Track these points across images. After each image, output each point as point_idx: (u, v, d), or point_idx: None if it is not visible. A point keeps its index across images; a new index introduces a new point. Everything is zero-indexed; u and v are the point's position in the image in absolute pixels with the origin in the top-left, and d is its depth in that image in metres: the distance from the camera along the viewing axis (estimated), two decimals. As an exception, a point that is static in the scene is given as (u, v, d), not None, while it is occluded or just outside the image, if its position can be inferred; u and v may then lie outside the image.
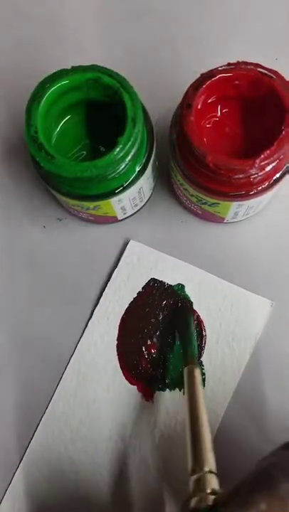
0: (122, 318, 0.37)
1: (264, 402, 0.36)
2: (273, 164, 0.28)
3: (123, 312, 0.38)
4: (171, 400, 0.36)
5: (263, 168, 0.28)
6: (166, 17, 0.42)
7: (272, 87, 0.29)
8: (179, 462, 0.35)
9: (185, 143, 0.30)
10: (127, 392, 0.36)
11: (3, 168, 0.41)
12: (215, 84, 0.29)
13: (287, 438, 0.35)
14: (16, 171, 0.40)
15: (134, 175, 0.32)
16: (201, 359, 0.37)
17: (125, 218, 0.38)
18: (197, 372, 0.32)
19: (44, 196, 0.40)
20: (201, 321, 0.37)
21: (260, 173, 0.28)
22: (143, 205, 0.38)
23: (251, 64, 0.29)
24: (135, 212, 0.38)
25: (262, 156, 0.28)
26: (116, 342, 0.37)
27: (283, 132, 0.28)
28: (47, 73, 0.30)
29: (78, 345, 0.37)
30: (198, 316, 0.37)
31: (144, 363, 0.37)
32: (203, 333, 0.37)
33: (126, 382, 0.37)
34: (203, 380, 0.36)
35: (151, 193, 0.39)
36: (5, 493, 0.36)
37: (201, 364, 0.36)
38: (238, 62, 0.29)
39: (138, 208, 0.38)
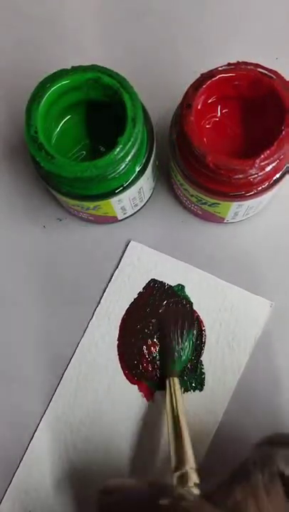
0: (123, 319, 0.37)
1: (264, 402, 0.36)
2: (273, 164, 0.28)
3: (124, 312, 0.38)
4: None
5: (263, 168, 0.28)
6: (166, 17, 0.42)
7: (272, 87, 0.29)
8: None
9: (185, 143, 0.30)
10: (127, 392, 0.36)
11: (3, 167, 0.41)
12: (215, 84, 0.29)
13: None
14: (16, 170, 0.40)
15: (134, 175, 0.32)
16: (201, 359, 0.37)
17: (125, 218, 0.38)
18: (176, 381, 0.35)
19: (44, 196, 0.40)
20: (201, 321, 0.37)
21: (260, 174, 0.28)
22: (143, 205, 0.38)
23: (251, 64, 0.29)
24: (135, 212, 0.38)
25: (262, 156, 0.28)
26: (117, 342, 0.37)
27: (283, 132, 0.28)
28: (47, 73, 0.30)
29: (79, 345, 0.37)
30: (198, 316, 0.37)
31: (145, 363, 0.37)
32: (203, 333, 0.37)
33: (126, 382, 0.37)
34: (203, 379, 0.36)
35: (151, 193, 0.39)
36: (5, 493, 0.36)
37: (200, 364, 0.36)
38: (238, 63, 0.29)
39: (138, 208, 0.38)
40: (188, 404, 0.36)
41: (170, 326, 0.37)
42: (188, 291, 0.38)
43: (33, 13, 0.43)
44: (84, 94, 0.31)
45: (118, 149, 0.28)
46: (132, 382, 0.37)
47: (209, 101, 0.31)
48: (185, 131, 0.29)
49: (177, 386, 0.34)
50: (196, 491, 0.29)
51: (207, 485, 0.31)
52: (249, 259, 0.38)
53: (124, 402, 0.36)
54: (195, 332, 0.37)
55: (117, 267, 0.38)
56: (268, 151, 0.28)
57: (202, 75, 0.30)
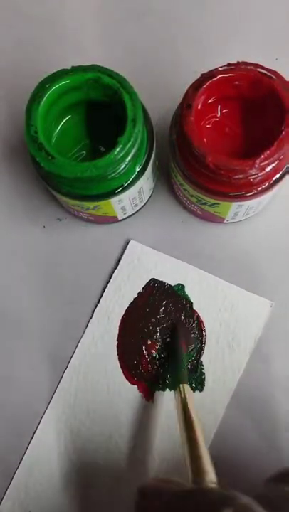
0: (123, 318, 0.37)
1: (264, 402, 0.36)
2: (273, 165, 0.28)
3: (123, 312, 0.38)
4: (171, 399, 0.36)
5: (263, 168, 0.28)
6: (166, 17, 0.42)
7: (272, 88, 0.29)
8: (179, 462, 0.35)
9: (185, 143, 0.30)
10: (127, 392, 0.36)
11: (3, 168, 0.41)
12: (215, 84, 0.29)
13: (288, 438, 0.36)
14: (16, 171, 0.40)
15: (134, 175, 0.32)
16: (201, 359, 0.37)
17: (125, 218, 0.38)
18: (188, 388, 0.33)
19: (44, 196, 0.40)
20: (201, 321, 0.37)
21: (260, 174, 0.28)
22: (143, 205, 0.38)
23: (251, 64, 0.29)
24: (135, 212, 0.38)
25: (262, 156, 0.28)
26: (116, 342, 0.37)
27: (283, 132, 0.28)
28: (47, 73, 0.30)
29: (78, 345, 0.37)
30: (198, 316, 0.37)
31: (145, 362, 0.37)
32: (203, 333, 0.37)
33: (126, 382, 0.37)
34: (203, 379, 0.36)
35: (151, 193, 0.39)
36: (5, 493, 0.36)
37: (200, 364, 0.36)
38: (238, 63, 0.29)
39: (138, 208, 0.38)
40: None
41: (184, 335, 0.37)
42: (188, 291, 0.38)
43: (33, 13, 0.43)
44: (84, 94, 0.31)
45: (118, 149, 0.28)
46: (132, 382, 0.37)
47: (209, 101, 0.31)
48: (185, 132, 0.29)
49: (190, 393, 0.33)
50: None
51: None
52: (249, 259, 0.38)
53: (123, 402, 0.36)
54: (199, 336, 0.37)
55: (116, 267, 0.38)
56: (268, 152, 0.28)
57: (202, 75, 0.30)
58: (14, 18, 0.43)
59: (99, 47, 0.42)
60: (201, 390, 0.36)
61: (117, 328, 0.37)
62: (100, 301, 0.38)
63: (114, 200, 0.33)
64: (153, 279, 0.38)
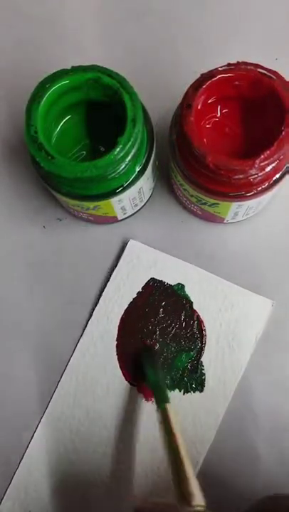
0: (122, 318, 0.37)
1: (264, 402, 0.36)
2: (273, 165, 0.28)
3: (123, 312, 0.38)
4: (171, 399, 0.36)
5: (262, 168, 0.28)
6: (166, 17, 0.42)
7: (272, 88, 0.29)
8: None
9: (185, 143, 0.30)
10: (126, 392, 0.36)
11: (3, 168, 0.41)
12: (215, 84, 0.29)
13: (288, 437, 0.36)
14: (16, 171, 0.40)
15: (134, 175, 0.32)
16: (201, 359, 0.37)
17: (125, 218, 0.38)
18: (170, 409, 0.32)
19: (44, 196, 0.40)
20: (201, 321, 0.37)
21: (260, 174, 0.28)
22: (143, 205, 0.38)
23: (251, 64, 0.29)
24: (135, 212, 0.38)
25: (262, 156, 0.28)
26: (116, 342, 0.37)
27: (283, 132, 0.28)
28: (47, 73, 0.30)
29: (78, 345, 0.37)
30: (198, 315, 0.37)
31: (144, 363, 0.37)
32: (203, 333, 0.37)
33: (125, 382, 0.37)
34: (203, 380, 0.36)
35: (151, 193, 0.39)
36: (5, 493, 0.36)
37: (201, 364, 0.36)
38: (238, 63, 0.29)
39: (138, 208, 0.38)
40: (189, 405, 0.36)
41: (155, 357, 0.36)
42: (188, 291, 0.38)
43: (33, 13, 0.43)
44: (84, 94, 0.31)
45: (118, 149, 0.28)
46: (131, 383, 0.37)
47: (209, 101, 0.31)
48: (185, 132, 0.29)
49: (174, 413, 0.32)
50: None
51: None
52: (249, 258, 0.38)
53: (123, 402, 0.36)
54: (199, 336, 0.37)
55: (116, 267, 0.38)
56: (268, 151, 0.28)
57: (202, 75, 0.30)
58: (14, 18, 0.43)
59: (99, 47, 0.42)
60: (201, 390, 0.36)
61: (117, 328, 0.37)
62: (100, 300, 0.38)
63: (114, 200, 0.33)
64: (152, 279, 0.38)
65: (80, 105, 0.33)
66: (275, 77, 0.29)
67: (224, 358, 0.36)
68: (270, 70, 0.29)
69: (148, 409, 0.36)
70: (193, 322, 0.37)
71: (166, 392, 0.34)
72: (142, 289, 0.38)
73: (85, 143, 0.34)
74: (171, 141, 0.32)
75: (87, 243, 0.39)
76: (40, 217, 0.40)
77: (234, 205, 0.33)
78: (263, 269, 0.38)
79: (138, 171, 0.32)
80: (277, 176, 0.31)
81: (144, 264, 0.38)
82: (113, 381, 0.37)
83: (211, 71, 0.30)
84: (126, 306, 0.38)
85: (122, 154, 0.29)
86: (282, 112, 0.28)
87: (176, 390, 0.36)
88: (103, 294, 0.38)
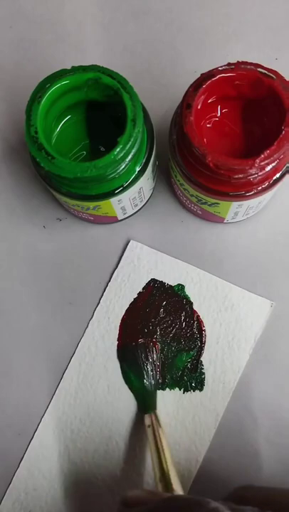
0: (123, 319, 0.37)
1: (264, 402, 0.36)
2: (273, 164, 0.28)
3: (124, 312, 0.38)
4: (171, 399, 0.36)
5: (263, 168, 0.28)
6: (166, 17, 0.42)
7: (272, 88, 0.29)
8: (178, 461, 0.35)
9: (185, 143, 0.30)
10: (127, 392, 0.36)
11: (3, 168, 0.41)
12: (215, 84, 0.29)
13: (287, 436, 0.36)
14: (16, 171, 0.40)
15: (134, 175, 0.32)
16: (201, 359, 0.37)
17: (125, 218, 0.38)
18: (154, 417, 0.34)
19: (44, 196, 0.40)
20: (201, 321, 0.37)
21: (260, 173, 0.28)
22: (143, 205, 0.38)
23: (251, 64, 0.29)
24: (135, 212, 0.38)
25: (262, 156, 0.28)
26: (117, 342, 0.37)
27: (283, 132, 0.28)
28: (47, 73, 0.30)
29: (79, 345, 0.37)
30: (198, 316, 0.37)
31: (144, 362, 0.37)
32: (203, 333, 0.37)
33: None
34: (203, 379, 0.36)
35: (151, 193, 0.39)
36: (5, 493, 0.36)
37: (200, 364, 0.36)
38: (238, 63, 0.29)
39: (138, 208, 0.38)
40: (189, 404, 0.36)
41: (142, 364, 0.37)
42: (188, 291, 0.38)
43: (33, 13, 0.43)
44: (84, 94, 0.31)
45: (118, 149, 0.28)
46: (132, 382, 0.37)
47: (209, 101, 0.31)
48: (185, 132, 0.29)
49: (159, 419, 0.34)
50: None
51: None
52: (249, 258, 0.38)
53: (124, 402, 0.36)
54: (199, 336, 0.37)
55: (116, 267, 0.38)
56: (268, 151, 0.28)
57: (202, 75, 0.30)
58: (14, 18, 0.43)
59: (99, 47, 0.42)
60: (200, 389, 0.36)
61: (118, 328, 0.37)
62: (100, 301, 0.38)
63: (114, 200, 0.33)
64: (153, 279, 0.38)
65: (80, 105, 0.33)
66: (275, 77, 0.29)
67: (224, 357, 0.36)
68: (270, 69, 0.29)
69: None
70: (193, 322, 0.37)
71: (149, 400, 0.36)
72: (143, 289, 0.38)
73: (85, 143, 0.34)
74: (171, 141, 0.32)
75: (87, 243, 0.39)
76: (40, 217, 0.40)
77: (234, 205, 0.33)
78: (262, 270, 0.38)
79: (138, 171, 0.32)
80: (278, 175, 0.31)
81: (144, 265, 0.38)
82: (114, 381, 0.37)
83: (211, 71, 0.30)
84: (127, 306, 0.38)
85: (122, 154, 0.29)
86: (282, 112, 0.28)
87: (176, 389, 0.36)
88: (104, 294, 0.38)
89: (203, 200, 0.33)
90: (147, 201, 0.38)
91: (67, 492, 0.36)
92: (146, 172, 0.33)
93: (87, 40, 0.42)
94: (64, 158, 0.29)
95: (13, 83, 0.41)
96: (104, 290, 0.38)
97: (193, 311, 0.37)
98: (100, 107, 0.32)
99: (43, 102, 0.29)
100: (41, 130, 0.29)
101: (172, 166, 0.34)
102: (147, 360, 0.36)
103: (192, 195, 0.34)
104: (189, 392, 0.36)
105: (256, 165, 0.28)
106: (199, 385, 0.36)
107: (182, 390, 0.36)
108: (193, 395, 0.36)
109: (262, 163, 0.28)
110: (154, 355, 0.36)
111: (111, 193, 0.32)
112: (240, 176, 0.28)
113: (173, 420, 0.36)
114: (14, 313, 0.38)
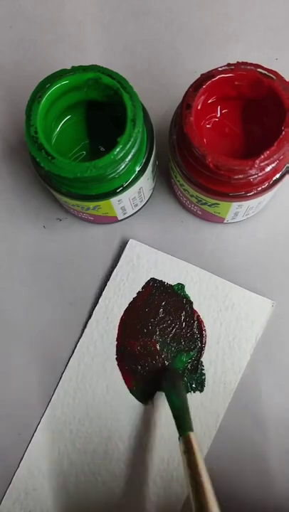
0: (122, 318, 0.37)
1: (264, 402, 0.36)
2: (273, 165, 0.28)
3: (123, 312, 0.38)
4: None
5: (263, 168, 0.28)
6: (166, 17, 0.42)
7: (272, 88, 0.29)
8: (178, 463, 0.35)
9: (185, 143, 0.30)
10: (126, 392, 0.36)
11: (3, 168, 0.41)
12: (215, 84, 0.29)
13: (288, 438, 0.36)
14: (16, 171, 0.40)
15: (134, 175, 0.32)
16: (201, 359, 0.37)
17: (125, 218, 0.38)
18: (194, 438, 0.30)
19: (44, 196, 0.40)
20: (202, 321, 0.37)
21: (260, 174, 0.28)
22: (143, 205, 0.38)
23: (251, 64, 0.29)
24: (135, 212, 0.38)
25: (262, 156, 0.28)
26: (116, 342, 0.37)
27: (283, 132, 0.28)
28: (47, 73, 0.30)
29: (78, 345, 0.37)
30: (198, 315, 0.37)
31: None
32: (204, 333, 0.37)
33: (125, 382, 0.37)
34: (203, 380, 0.36)
35: (151, 193, 0.39)
36: (5, 492, 0.36)
37: (201, 364, 0.36)
38: (238, 63, 0.29)
39: (138, 208, 0.38)
40: (189, 405, 0.36)
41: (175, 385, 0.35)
42: (188, 291, 0.38)
43: (33, 13, 0.43)
44: (84, 94, 0.31)
45: (118, 149, 0.28)
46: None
47: (209, 101, 0.31)
48: (185, 132, 0.29)
49: (196, 442, 0.29)
50: None
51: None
52: (249, 258, 0.38)
53: (122, 402, 0.36)
54: (199, 336, 0.37)
55: (116, 266, 0.38)
56: (268, 151, 0.28)
57: (202, 75, 0.30)
58: (14, 18, 0.43)
59: (99, 47, 0.42)
60: (201, 390, 0.36)
61: (117, 328, 0.37)
62: (99, 301, 0.38)
63: (114, 200, 0.33)
64: (152, 279, 0.38)
65: (80, 105, 0.33)
66: (275, 77, 0.29)
67: (224, 358, 0.36)
68: (270, 70, 0.29)
69: (147, 410, 0.36)
70: (194, 322, 0.37)
71: (189, 419, 0.32)
72: (142, 288, 0.38)
73: (85, 143, 0.34)
74: (171, 142, 0.32)
75: (87, 243, 0.39)
76: (40, 217, 0.40)
77: (234, 205, 0.33)
78: (263, 269, 0.38)
79: (138, 171, 0.32)
80: (277, 176, 0.31)
81: (144, 264, 0.38)
82: (113, 381, 0.37)
83: (211, 71, 0.30)
84: (126, 306, 0.38)
85: (122, 154, 0.29)
86: (282, 112, 0.28)
87: (176, 390, 0.36)
88: (103, 294, 0.38)
89: (203, 201, 0.33)
90: (147, 201, 0.38)
91: (67, 492, 0.36)
92: (146, 172, 0.33)
93: (87, 40, 0.42)
94: (64, 158, 0.29)
95: (13, 83, 0.41)
96: (104, 290, 0.38)
97: (194, 311, 0.37)
98: (100, 107, 0.32)
99: (43, 102, 0.29)
100: (41, 130, 0.29)
101: (172, 167, 0.34)
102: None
103: (192, 196, 0.34)
104: (190, 393, 0.36)
105: (256, 165, 0.28)
106: (200, 386, 0.36)
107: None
108: (194, 396, 0.36)
109: (262, 164, 0.28)
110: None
111: (111, 193, 0.32)
112: (240, 176, 0.28)
113: (173, 421, 0.36)
114: (14, 313, 0.38)
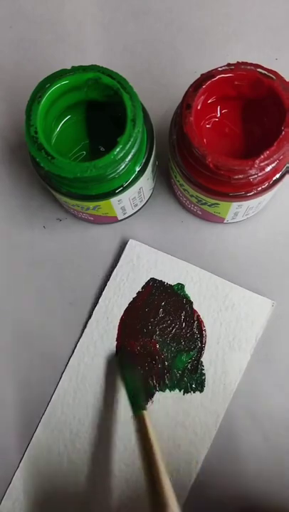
0: (122, 318, 0.37)
1: (264, 402, 0.36)
2: (273, 165, 0.28)
3: (123, 312, 0.38)
4: (171, 400, 0.36)
5: (262, 168, 0.28)
6: (166, 17, 0.42)
7: (272, 88, 0.29)
8: (178, 463, 0.35)
9: (185, 143, 0.30)
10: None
11: (3, 168, 0.41)
12: (215, 84, 0.29)
13: (288, 438, 0.36)
14: (16, 171, 0.40)
15: (134, 175, 0.32)
16: (202, 359, 0.37)
17: (125, 218, 0.38)
18: (147, 417, 0.32)
19: (44, 196, 0.40)
20: (202, 321, 0.37)
21: (260, 174, 0.28)
22: (143, 205, 0.38)
23: (251, 64, 0.29)
24: (135, 212, 0.38)
25: (262, 156, 0.28)
26: (116, 342, 0.37)
27: (283, 132, 0.28)
28: (47, 73, 0.30)
29: (78, 345, 0.37)
30: (198, 315, 0.37)
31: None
32: (204, 333, 0.37)
33: (126, 382, 0.37)
34: (203, 380, 0.36)
35: (151, 193, 0.39)
36: (5, 493, 0.36)
37: (201, 364, 0.36)
38: (238, 63, 0.29)
39: (138, 208, 0.38)
40: (189, 405, 0.36)
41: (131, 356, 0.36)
42: (188, 291, 0.38)
43: (33, 13, 0.43)
44: (84, 94, 0.31)
45: (118, 149, 0.28)
46: (132, 382, 0.37)
47: (209, 101, 0.31)
48: (185, 132, 0.29)
49: (149, 420, 0.32)
50: None
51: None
52: (249, 258, 0.38)
53: (122, 401, 0.36)
54: (199, 336, 0.37)
55: (116, 266, 0.38)
56: (268, 151, 0.28)
57: (202, 75, 0.30)
58: (14, 18, 0.43)
59: (99, 47, 0.42)
60: (201, 390, 0.36)
61: (116, 328, 0.37)
62: (99, 301, 0.38)
63: (114, 200, 0.33)
64: (152, 279, 0.38)
65: (80, 105, 0.33)
66: (275, 77, 0.29)
67: (224, 358, 0.36)
68: (270, 70, 0.29)
69: (149, 409, 0.36)
70: (193, 322, 0.37)
71: (142, 398, 0.34)
72: (142, 288, 0.38)
73: (85, 143, 0.34)
74: (171, 142, 0.32)
75: (87, 243, 0.39)
76: (40, 217, 0.40)
77: (234, 205, 0.33)
78: (263, 269, 0.38)
79: (138, 171, 0.32)
80: (277, 176, 0.31)
81: (144, 264, 0.38)
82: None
83: (211, 71, 0.30)
84: (126, 306, 0.38)
85: (122, 154, 0.29)
86: (282, 112, 0.28)
87: (176, 390, 0.36)
88: (103, 294, 0.38)
89: (203, 201, 0.33)
90: (147, 201, 0.38)
91: (67, 492, 0.36)
92: (146, 172, 0.33)
93: (87, 40, 0.42)
94: (64, 158, 0.29)
95: (13, 83, 0.41)
96: (104, 290, 0.38)
97: (193, 311, 0.37)
98: (100, 107, 0.32)
99: (43, 102, 0.29)
100: (41, 130, 0.29)
101: (172, 167, 0.34)
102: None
103: (192, 196, 0.34)
104: (189, 393, 0.36)
105: (256, 165, 0.28)
106: (200, 386, 0.36)
107: (182, 391, 0.36)
108: (194, 396, 0.36)
109: (262, 164, 0.28)
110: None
111: (111, 193, 0.32)
112: (240, 176, 0.28)
113: (173, 422, 0.36)
114: (13, 313, 0.38)
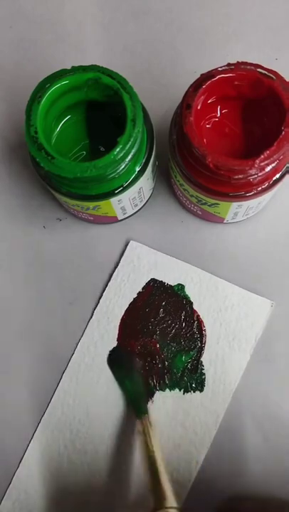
0: (122, 319, 0.37)
1: (264, 402, 0.36)
2: (273, 165, 0.28)
3: (123, 312, 0.38)
4: (171, 399, 0.36)
5: (262, 168, 0.28)
6: (166, 17, 0.42)
7: (272, 88, 0.29)
8: (178, 462, 0.35)
9: (185, 143, 0.30)
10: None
11: (3, 167, 0.41)
12: (215, 84, 0.29)
13: (287, 437, 0.36)
14: (16, 171, 0.40)
15: (134, 175, 0.32)
16: (201, 359, 0.37)
17: (125, 218, 0.38)
18: (147, 420, 0.34)
19: (44, 196, 0.40)
20: (201, 321, 0.37)
21: (260, 174, 0.28)
22: (143, 205, 0.38)
23: (251, 64, 0.29)
24: (135, 213, 0.38)
25: (262, 156, 0.28)
26: (116, 342, 0.37)
27: (283, 132, 0.28)
28: (47, 73, 0.30)
29: (78, 345, 0.37)
30: (198, 316, 0.37)
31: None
32: (204, 333, 0.37)
33: (126, 382, 0.37)
34: (203, 380, 0.36)
35: (151, 193, 0.39)
36: (5, 493, 0.36)
37: (201, 364, 0.36)
38: (238, 63, 0.29)
39: (138, 208, 0.38)
40: (189, 405, 0.36)
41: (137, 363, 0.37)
42: (188, 291, 0.38)
43: (33, 13, 0.43)
44: (84, 94, 0.31)
45: (118, 149, 0.28)
46: (132, 382, 0.37)
47: (209, 101, 0.31)
48: (185, 132, 0.29)
49: (153, 423, 0.34)
50: None
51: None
52: (249, 258, 0.38)
53: (123, 402, 0.36)
54: (199, 336, 0.37)
55: (116, 267, 0.38)
56: (268, 151, 0.28)
57: (202, 75, 0.30)
58: (14, 18, 0.43)
59: (99, 47, 0.42)
60: (201, 390, 0.36)
61: (117, 328, 0.37)
62: (100, 301, 0.38)
63: (114, 200, 0.33)
64: (153, 279, 0.38)
65: (80, 105, 0.33)
66: (275, 77, 0.29)
67: (224, 357, 0.36)
68: (270, 70, 0.29)
69: (149, 409, 0.36)
70: (194, 322, 0.37)
71: (144, 403, 0.36)
72: (143, 289, 0.38)
73: (85, 143, 0.34)
74: (171, 142, 0.32)
75: (87, 243, 0.39)
76: (40, 217, 0.40)
77: (234, 205, 0.33)
78: (262, 270, 0.38)
79: (138, 171, 0.32)
80: (277, 176, 0.31)
81: (144, 264, 0.38)
82: (113, 381, 0.37)
83: (211, 71, 0.30)
84: (126, 306, 0.38)
85: (122, 154, 0.29)
86: (282, 112, 0.28)
87: (176, 390, 0.36)
88: (104, 294, 0.38)
89: (203, 201, 0.33)
90: (147, 201, 0.38)
91: (67, 492, 0.36)
92: (146, 172, 0.33)
93: (87, 40, 0.42)
94: (64, 158, 0.29)
95: (13, 83, 0.41)
96: (104, 290, 0.38)
97: (193, 311, 0.37)
98: (100, 107, 0.32)
99: (42, 102, 0.29)
100: (41, 130, 0.29)
101: (172, 167, 0.34)
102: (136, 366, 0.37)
103: (192, 196, 0.34)
104: (189, 393, 0.36)
105: (256, 165, 0.28)
106: (199, 385, 0.36)
107: (182, 390, 0.36)
108: (194, 396, 0.36)
109: (262, 164, 0.28)
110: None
111: (111, 193, 0.32)
112: (240, 176, 0.28)
113: (173, 421, 0.36)
114: (14, 313, 0.38)
